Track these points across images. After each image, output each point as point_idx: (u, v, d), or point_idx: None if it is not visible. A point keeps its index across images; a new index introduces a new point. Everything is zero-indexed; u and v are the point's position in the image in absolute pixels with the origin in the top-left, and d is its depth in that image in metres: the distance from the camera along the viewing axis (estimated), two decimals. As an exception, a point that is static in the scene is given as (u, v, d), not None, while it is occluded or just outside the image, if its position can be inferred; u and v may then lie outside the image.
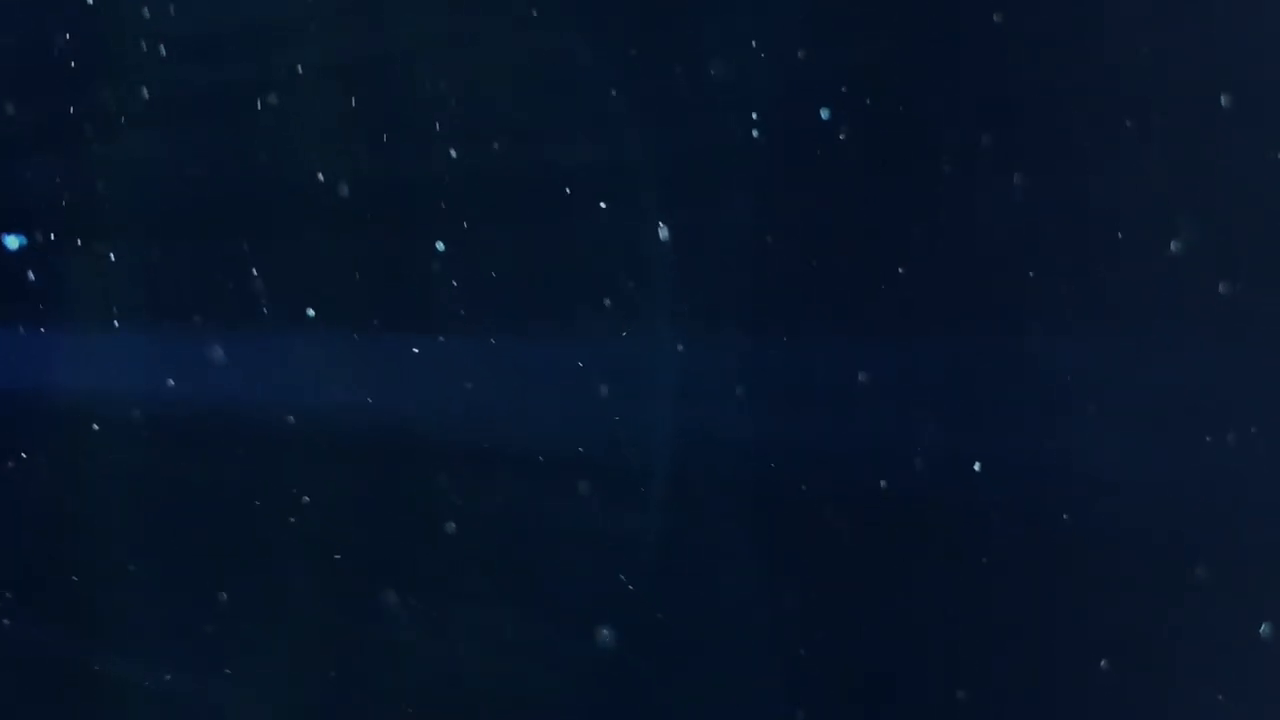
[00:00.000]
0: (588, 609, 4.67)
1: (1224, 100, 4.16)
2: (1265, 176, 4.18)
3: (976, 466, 4.38)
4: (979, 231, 4.41)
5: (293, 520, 4.90)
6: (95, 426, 5.08)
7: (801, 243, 4.56)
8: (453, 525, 4.78)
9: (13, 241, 4.67)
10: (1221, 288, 4.20)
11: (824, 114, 4.47)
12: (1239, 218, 4.22)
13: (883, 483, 4.45)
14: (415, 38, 4.85)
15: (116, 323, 5.10)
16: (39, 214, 5.18)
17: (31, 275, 5.15)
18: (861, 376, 4.47)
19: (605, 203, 4.68)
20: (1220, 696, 4.24)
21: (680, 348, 4.63)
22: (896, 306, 4.48)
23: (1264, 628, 4.12)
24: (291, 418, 4.89)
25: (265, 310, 4.94)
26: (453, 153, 4.79)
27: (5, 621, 5.08)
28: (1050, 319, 4.37)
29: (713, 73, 4.57)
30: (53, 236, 5.16)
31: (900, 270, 4.46)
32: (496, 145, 4.77)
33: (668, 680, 4.63)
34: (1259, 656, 4.21)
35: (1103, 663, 4.31)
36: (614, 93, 4.64)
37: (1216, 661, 4.25)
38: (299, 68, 4.92)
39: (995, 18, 4.33)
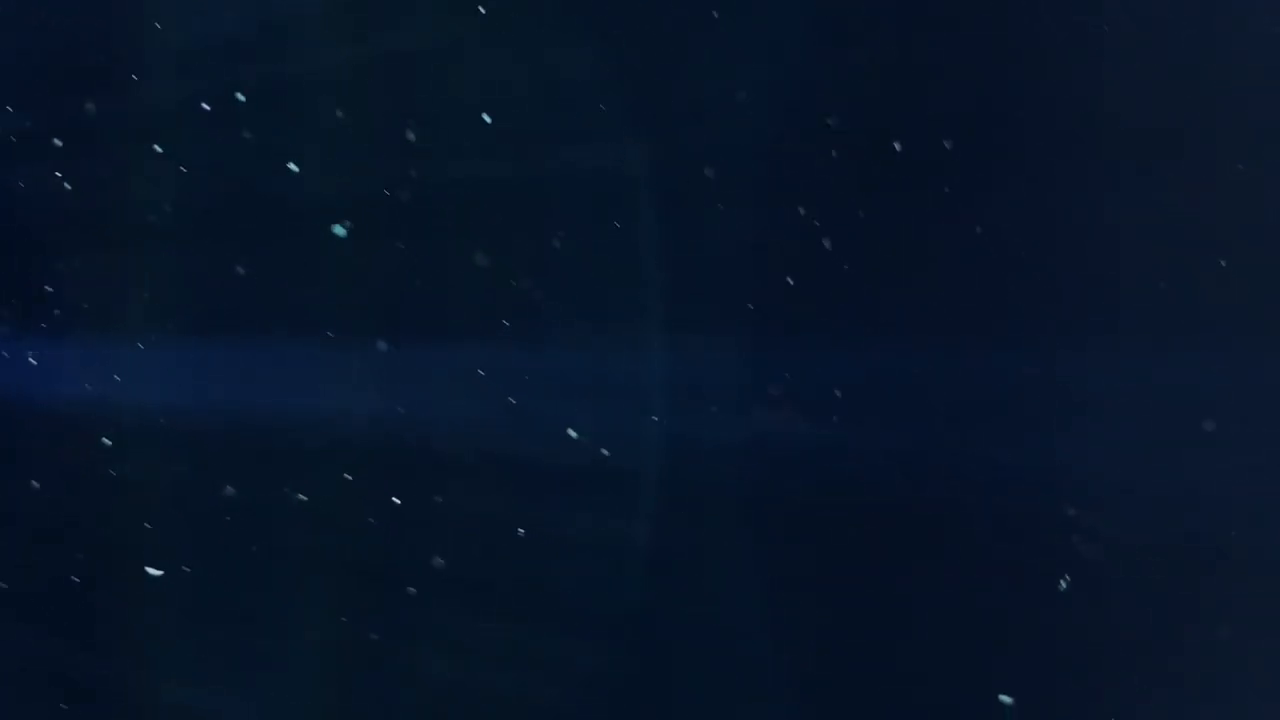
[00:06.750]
0: (596, 615, 4.70)
1: (1225, 109, 4.20)
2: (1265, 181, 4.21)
3: (977, 471, 4.41)
4: (979, 238, 4.44)
5: (300, 526, 4.92)
6: (104, 435, 5.09)
7: (805, 249, 4.58)
8: (462, 532, 4.80)
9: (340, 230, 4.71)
10: (1224, 295, 4.24)
11: (822, 121, 4.50)
12: (1239, 224, 4.25)
13: (891, 487, 4.47)
14: (418, 45, 4.87)
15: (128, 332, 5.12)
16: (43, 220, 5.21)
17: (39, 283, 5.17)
18: (867, 382, 4.50)
19: (611, 209, 4.71)
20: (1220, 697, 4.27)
21: (687, 355, 4.65)
22: (899, 312, 4.50)
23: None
24: (297, 424, 4.91)
25: (271, 318, 4.96)
26: (459, 163, 4.82)
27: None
28: (1050, 326, 4.40)
29: (717, 79, 4.60)
30: (57, 243, 5.18)
31: (901, 276, 4.49)
32: (502, 154, 4.79)
33: (686, 684, 4.66)
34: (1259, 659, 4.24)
35: (1103, 664, 4.34)
36: (618, 101, 4.67)
37: (1216, 663, 4.27)
38: (304, 75, 4.95)
39: (997, 25, 4.36)
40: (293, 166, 4.94)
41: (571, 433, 4.71)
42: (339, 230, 4.68)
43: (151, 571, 4.92)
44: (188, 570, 5.00)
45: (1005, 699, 4.35)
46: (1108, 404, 4.35)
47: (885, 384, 4.50)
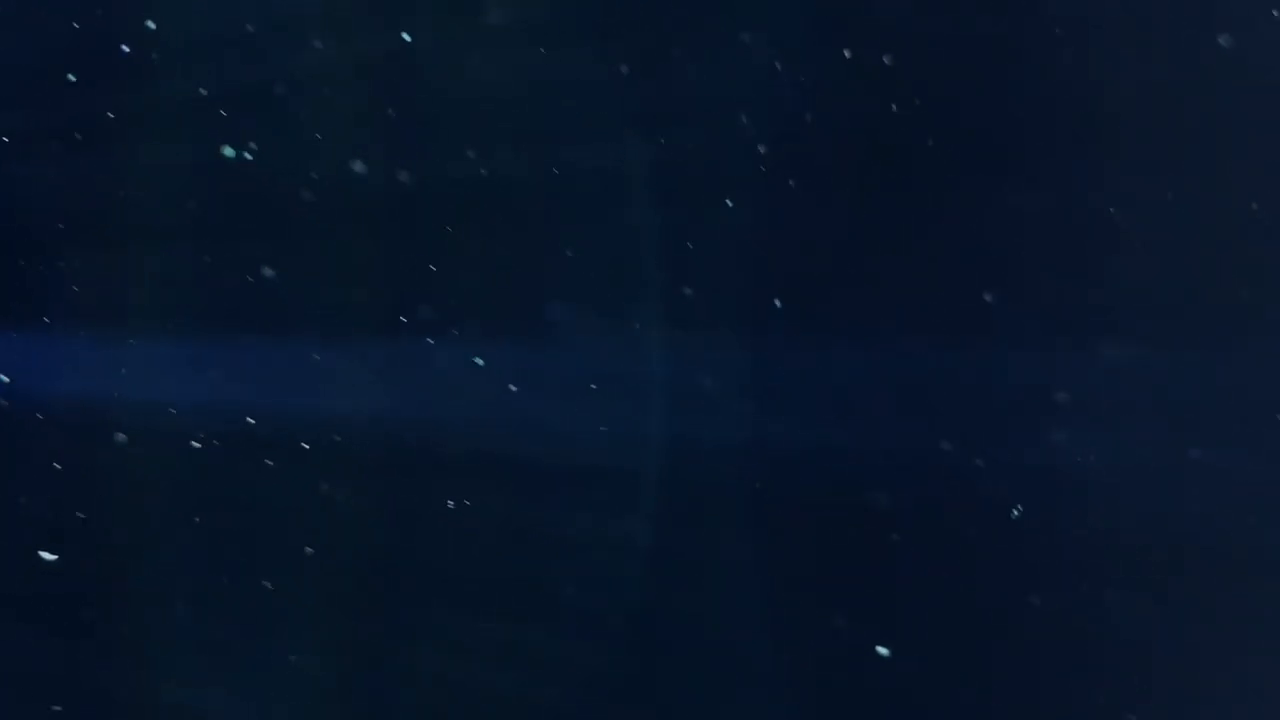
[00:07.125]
0: (596, 615, 4.70)
1: (1224, 108, 4.20)
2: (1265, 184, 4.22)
3: (972, 470, 4.42)
4: (976, 237, 4.44)
5: (299, 526, 4.93)
6: (109, 433, 5.09)
7: (803, 248, 4.58)
8: (461, 531, 4.81)
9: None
10: (1219, 295, 4.24)
11: (818, 119, 4.51)
12: (1238, 225, 4.25)
13: (887, 485, 4.48)
14: (418, 42, 4.88)
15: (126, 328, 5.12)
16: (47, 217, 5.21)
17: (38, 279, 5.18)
18: (863, 380, 4.50)
19: (611, 206, 4.72)
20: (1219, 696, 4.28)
21: (686, 353, 4.66)
22: (899, 312, 4.51)
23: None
24: (297, 424, 4.91)
25: (272, 315, 4.96)
26: (461, 158, 4.83)
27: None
28: (1049, 326, 4.40)
29: (713, 78, 4.61)
30: (61, 240, 5.18)
31: (901, 276, 4.50)
32: (501, 151, 4.80)
33: (682, 684, 4.67)
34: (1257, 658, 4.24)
35: (1097, 663, 4.35)
36: (616, 99, 4.67)
37: (1214, 662, 4.27)
38: (306, 72, 4.95)
39: (995, 25, 4.37)
40: (292, 166, 4.95)
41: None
42: (228, 152, 4.68)
43: (46, 556, 4.92)
44: (187, 570, 5.01)
45: (881, 650, 4.37)
46: (1108, 404, 4.35)
47: (885, 384, 4.50)
